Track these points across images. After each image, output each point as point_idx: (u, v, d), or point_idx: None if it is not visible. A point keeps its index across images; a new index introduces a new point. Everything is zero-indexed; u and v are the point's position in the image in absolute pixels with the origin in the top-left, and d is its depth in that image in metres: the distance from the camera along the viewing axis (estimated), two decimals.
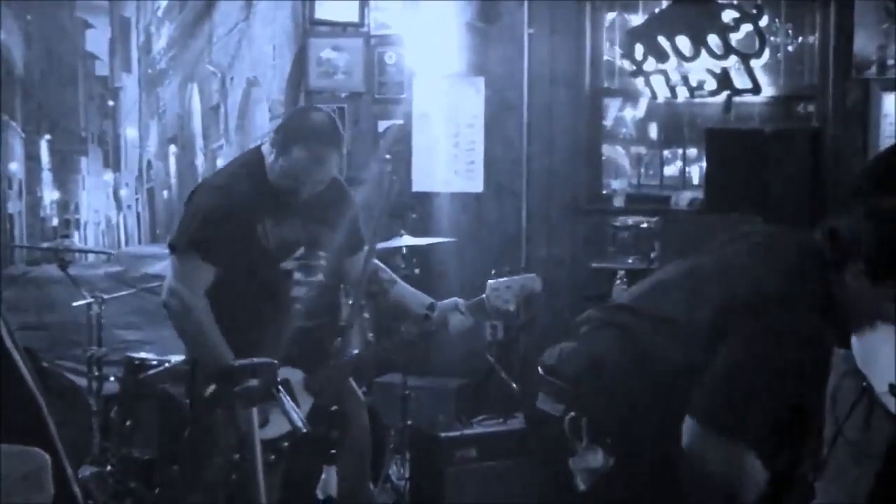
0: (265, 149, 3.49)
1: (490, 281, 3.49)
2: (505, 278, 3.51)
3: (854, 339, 3.28)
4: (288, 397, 2.79)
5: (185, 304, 3.32)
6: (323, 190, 3.50)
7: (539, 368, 2.92)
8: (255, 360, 2.96)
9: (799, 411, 2.75)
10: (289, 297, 3.45)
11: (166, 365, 4.86)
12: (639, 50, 6.08)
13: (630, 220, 6.01)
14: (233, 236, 3.35)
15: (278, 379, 2.82)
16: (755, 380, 2.52)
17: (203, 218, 3.39)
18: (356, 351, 3.53)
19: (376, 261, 3.84)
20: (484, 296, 3.47)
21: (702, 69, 6.00)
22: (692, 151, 6.53)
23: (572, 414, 2.77)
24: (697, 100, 6.10)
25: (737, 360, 2.53)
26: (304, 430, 2.67)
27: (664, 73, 6.05)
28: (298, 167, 3.38)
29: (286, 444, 3.19)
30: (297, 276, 3.46)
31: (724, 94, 5.99)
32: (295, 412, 2.74)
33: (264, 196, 3.42)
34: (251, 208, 3.38)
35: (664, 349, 2.68)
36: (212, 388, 3.20)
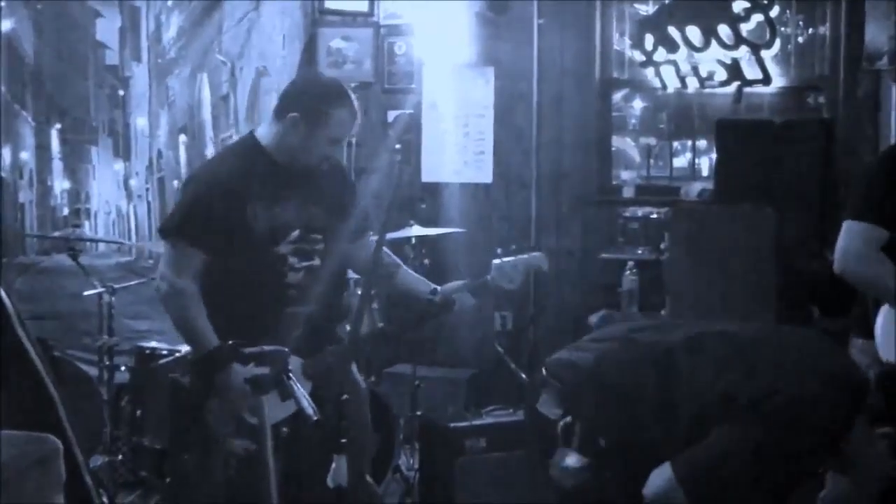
0: (266, 130, 3.48)
1: (495, 261, 3.48)
2: (511, 258, 3.50)
3: (877, 325, 3.29)
4: (298, 384, 2.80)
5: (172, 289, 3.33)
6: (323, 171, 3.51)
7: (543, 370, 2.95)
8: (266, 347, 2.97)
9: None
10: (283, 282, 3.45)
11: (177, 354, 4.89)
12: (649, 40, 6.07)
13: (640, 211, 6.02)
14: (220, 220, 3.34)
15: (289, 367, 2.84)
16: (745, 473, 2.60)
17: (191, 203, 3.40)
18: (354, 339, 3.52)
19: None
20: (489, 276, 3.47)
21: (712, 59, 5.98)
22: (702, 142, 6.53)
23: (568, 419, 2.81)
24: (707, 90, 6.08)
25: (735, 450, 2.61)
26: (315, 418, 2.68)
27: (674, 63, 6.04)
28: (345, 127, 3.43)
29: (285, 429, 3.20)
30: (292, 260, 3.45)
31: (735, 84, 5.98)
32: (305, 399, 2.75)
33: (258, 179, 3.42)
34: (241, 192, 3.38)
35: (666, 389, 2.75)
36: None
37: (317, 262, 3.49)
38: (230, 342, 3.11)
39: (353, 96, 3.46)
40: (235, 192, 3.37)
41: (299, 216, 3.46)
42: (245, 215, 3.36)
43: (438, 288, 3.53)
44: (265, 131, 3.49)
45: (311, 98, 3.42)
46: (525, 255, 3.52)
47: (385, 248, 3.78)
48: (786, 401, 2.60)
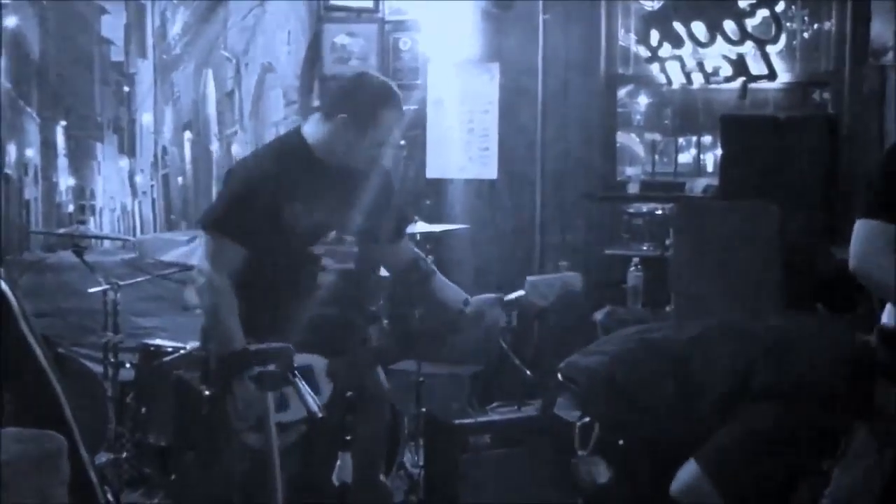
0: (314, 128, 3.44)
1: (530, 277, 3.47)
2: (547, 275, 3.50)
3: (883, 322, 3.29)
4: (304, 382, 2.81)
5: (209, 284, 3.31)
6: (365, 173, 3.48)
7: (558, 374, 2.96)
8: (272, 344, 2.98)
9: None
10: (314, 283, 3.43)
11: (181, 351, 4.88)
12: (654, 36, 6.06)
13: (644, 207, 6.02)
14: (260, 217, 3.31)
15: (296, 364, 2.84)
16: (771, 456, 2.60)
17: (232, 197, 3.38)
18: (380, 339, 3.53)
19: (416, 250, 3.84)
20: (522, 292, 3.45)
21: (717, 55, 5.97)
22: (707, 138, 6.52)
23: (586, 420, 2.82)
24: (712, 86, 6.07)
25: (758, 433, 2.61)
26: (320, 416, 2.69)
27: (679, 59, 6.03)
28: (392, 129, 3.41)
29: (303, 427, 3.20)
30: (327, 262, 3.43)
31: (740, 80, 5.96)
32: (311, 397, 2.76)
33: (300, 177, 3.38)
34: (282, 189, 3.34)
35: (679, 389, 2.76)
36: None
37: (350, 264, 3.46)
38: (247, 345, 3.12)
39: (401, 97, 3.44)
40: (276, 189, 3.33)
41: (338, 218, 3.42)
42: (284, 213, 3.33)
43: (470, 299, 3.52)
44: (312, 129, 3.45)
45: (361, 99, 3.38)
46: (560, 274, 3.53)
47: (420, 253, 3.78)
48: (798, 379, 2.61)
